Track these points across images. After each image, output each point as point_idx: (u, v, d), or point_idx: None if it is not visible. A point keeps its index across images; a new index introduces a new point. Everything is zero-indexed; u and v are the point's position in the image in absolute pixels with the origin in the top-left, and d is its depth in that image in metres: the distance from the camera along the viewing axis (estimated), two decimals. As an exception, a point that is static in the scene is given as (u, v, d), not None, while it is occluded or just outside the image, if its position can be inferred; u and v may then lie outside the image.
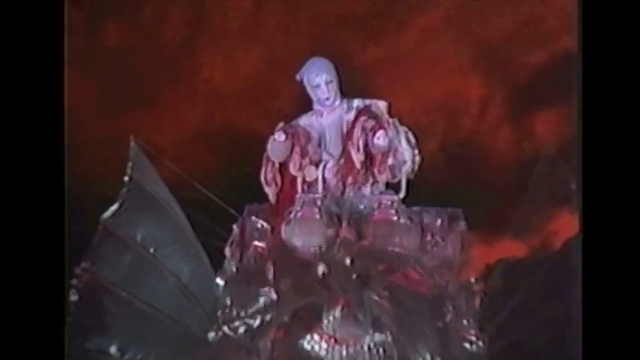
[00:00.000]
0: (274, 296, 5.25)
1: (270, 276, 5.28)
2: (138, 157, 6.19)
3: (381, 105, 5.80)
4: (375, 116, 5.65)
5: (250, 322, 5.38)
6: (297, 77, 5.85)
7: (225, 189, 6.45)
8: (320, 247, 5.37)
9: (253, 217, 5.71)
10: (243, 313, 5.41)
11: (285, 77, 6.27)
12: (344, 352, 5.22)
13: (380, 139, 5.50)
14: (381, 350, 5.23)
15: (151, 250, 6.06)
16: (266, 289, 5.26)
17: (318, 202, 5.50)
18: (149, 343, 5.88)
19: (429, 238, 5.59)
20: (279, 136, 5.64)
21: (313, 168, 5.70)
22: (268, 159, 5.75)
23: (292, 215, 5.49)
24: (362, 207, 5.58)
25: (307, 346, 5.28)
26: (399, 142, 5.59)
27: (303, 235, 5.41)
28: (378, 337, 5.26)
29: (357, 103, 5.82)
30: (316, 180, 5.67)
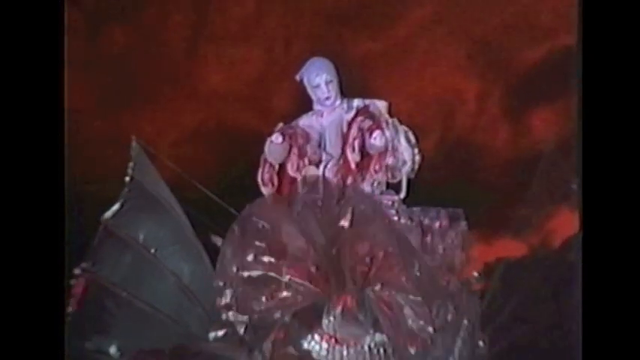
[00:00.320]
0: None
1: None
2: (139, 158, 6.19)
3: (381, 105, 5.80)
4: (372, 116, 5.65)
5: (250, 322, 5.41)
6: (297, 77, 5.86)
7: (226, 189, 6.44)
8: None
9: (254, 217, 5.71)
10: (243, 314, 5.44)
11: (286, 78, 6.26)
12: (344, 352, 5.23)
13: (376, 139, 5.51)
14: (381, 350, 5.24)
15: (152, 250, 6.06)
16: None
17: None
18: (149, 344, 5.87)
19: (429, 238, 5.59)
20: (277, 137, 5.67)
21: (314, 168, 5.70)
22: (265, 160, 5.77)
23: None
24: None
25: (308, 346, 5.29)
26: (399, 141, 5.60)
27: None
28: (378, 337, 5.26)
29: (357, 103, 5.83)
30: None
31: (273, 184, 5.74)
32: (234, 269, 5.56)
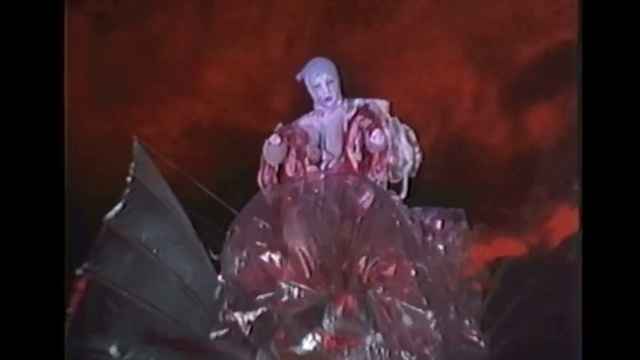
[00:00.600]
0: None
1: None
2: (140, 158, 6.19)
3: (382, 104, 5.81)
4: (371, 115, 5.66)
5: (252, 322, 5.41)
6: (298, 77, 5.87)
7: (227, 189, 6.44)
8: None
9: (255, 218, 5.72)
10: (244, 313, 5.45)
11: (287, 79, 6.26)
12: (345, 352, 5.23)
13: (376, 138, 5.52)
14: (382, 350, 5.23)
15: (154, 250, 6.06)
16: None
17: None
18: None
19: (430, 238, 5.59)
20: (275, 139, 5.69)
21: (314, 168, 5.71)
22: (265, 162, 5.78)
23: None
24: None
25: (309, 346, 5.29)
26: (399, 140, 5.61)
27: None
28: (379, 337, 5.26)
29: (357, 102, 5.83)
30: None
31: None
32: (235, 270, 5.58)
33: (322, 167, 5.71)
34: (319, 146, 5.78)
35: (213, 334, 5.49)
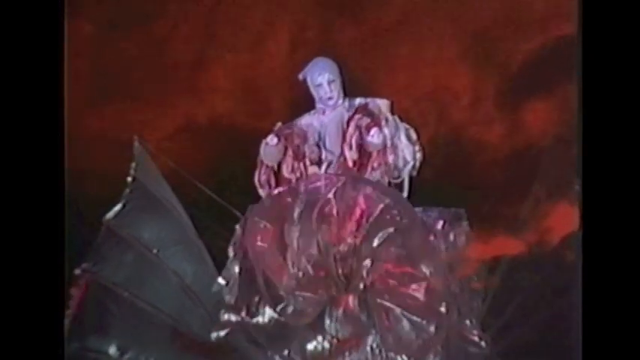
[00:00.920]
0: None
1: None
2: (141, 158, 6.20)
3: (382, 103, 5.81)
4: (370, 114, 5.66)
5: (252, 321, 5.41)
6: (300, 76, 5.87)
7: (227, 188, 6.44)
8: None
9: (256, 218, 5.71)
10: (245, 314, 5.45)
11: (289, 78, 6.27)
12: (346, 353, 5.22)
13: (374, 137, 5.52)
14: (383, 350, 5.22)
15: (154, 250, 6.05)
16: None
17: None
18: (151, 344, 5.88)
19: (431, 238, 5.58)
20: (271, 139, 5.69)
21: (316, 168, 5.71)
22: (262, 162, 5.78)
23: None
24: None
25: (310, 347, 5.28)
26: (399, 139, 5.60)
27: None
28: (380, 337, 5.25)
29: (359, 102, 5.83)
30: (319, 180, 5.68)
31: (270, 186, 5.73)
32: (237, 270, 5.58)
33: (323, 166, 5.70)
34: (318, 145, 5.78)
35: (213, 334, 5.48)
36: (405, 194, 5.62)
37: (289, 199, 5.53)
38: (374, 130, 5.51)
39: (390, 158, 5.55)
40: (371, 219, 5.38)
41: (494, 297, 5.64)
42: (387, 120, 5.62)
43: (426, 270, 5.28)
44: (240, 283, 5.53)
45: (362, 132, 5.57)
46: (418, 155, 5.66)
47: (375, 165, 5.55)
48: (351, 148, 5.59)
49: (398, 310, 5.17)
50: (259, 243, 5.54)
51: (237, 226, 5.73)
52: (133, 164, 6.11)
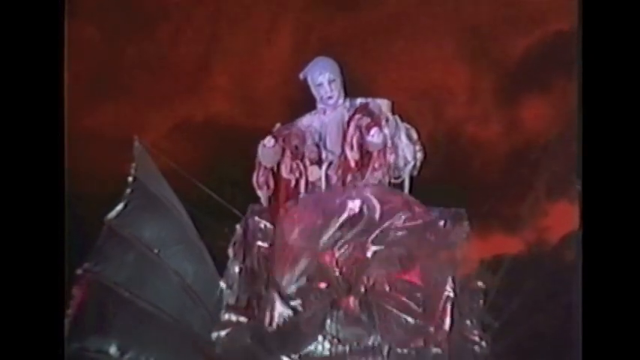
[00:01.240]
0: None
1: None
2: (142, 158, 6.20)
3: (383, 103, 5.82)
4: (370, 114, 5.67)
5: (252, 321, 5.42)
6: (301, 76, 5.89)
7: (227, 188, 6.44)
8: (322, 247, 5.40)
9: (256, 217, 5.72)
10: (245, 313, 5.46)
11: (290, 79, 6.27)
12: (347, 353, 5.22)
13: (374, 137, 5.52)
14: (384, 350, 5.23)
15: (155, 250, 6.06)
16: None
17: (321, 202, 5.50)
18: (151, 343, 5.88)
19: (432, 238, 5.58)
20: (269, 141, 5.70)
21: (316, 168, 5.71)
22: (260, 163, 5.78)
23: (295, 215, 5.50)
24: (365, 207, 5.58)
25: (311, 346, 5.29)
26: (399, 138, 5.61)
27: (306, 236, 5.42)
28: (380, 336, 5.26)
29: (359, 101, 5.84)
30: (319, 180, 5.68)
31: (268, 187, 5.73)
32: (237, 270, 5.59)
33: (323, 166, 5.71)
34: (317, 145, 5.79)
35: (214, 334, 5.48)
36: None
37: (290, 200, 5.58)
38: (374, 130, 5.51)
39: (391, 158, 5.56)
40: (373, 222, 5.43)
41: (494, 297, 5.64)
42: (387, 120, 5.64)
43: (426, 270, 5.27)
44: (241, 283, 5.53)
45: (362, 132, 5.58)
46: (419, 155, 5.67)
47: (377, 165, 5.56)
48: (352, 148, 5.59)
49: (398, 311, 5.18)
50: (260, 243, 5.56)
51: (238, 226, 5.74)
52: (134, 164, 6.11)
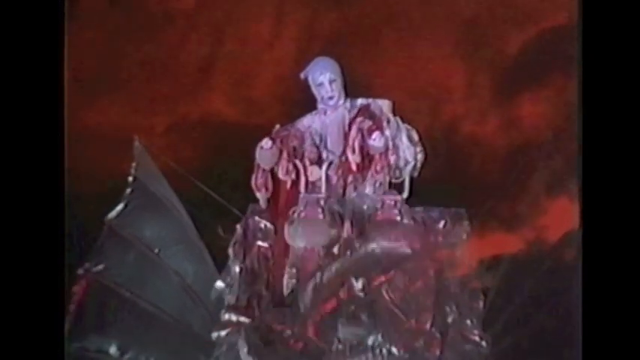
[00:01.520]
0: None
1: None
2: (142, 157, 6.21)
3: (384, 104, 5.82)
4: (372, 116, 5.67)
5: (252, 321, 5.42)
6: (302, 76, 5.89)
7: (228, 188, 6.44)
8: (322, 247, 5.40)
9: (257, 217, 5.72)
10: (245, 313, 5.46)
11: (294, 79, 6.27)
12: (347, 352, 5.22)
13: (375, 140, 5.52)
14: (384, 350, 5.23)
15: (156, 250, 6.06)
16: None
17: (321, 202, 5.51)
18: (151, 343, 5.89)
19: (432, 238, 5.58)
20: (266, 143, 5.67)
21: (316, 168, 5.71)
22: (259, 165, 5.76)
23: (295, 215, 5.50)
24: (365, 207, 5.59)
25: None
26: (400, 140, 5.61)
27: (306, 236, 5.42)
28: (380, 336, 5.25)
29: (360, 102, 5.85)
30: (319, 180, 5.68)
31: (267, 189, 5.72)
32: (237, 271, 5.59)
33: (324, 166, 5.71)
34: (317, 145, 5.79)
35: (214, 334, 5.49)
36: (406, 194, 5.63)
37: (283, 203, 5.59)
38: (376, 134, 5.51)
39: (392, 159, 5.57)
40: (371, 219, 5.43)
41: (495, 296, 5.64)
42: (388, 121, 5.64)
43: (426, 270, 5.27)
44: (241, 283, 5.53)
45: (364, 135, 5.58)
46: (419, 156, 5.68)
47: (379, 168, 5.56)
48: (354, 151, 5.59)
49: (398, 311, 5.18)
50: (260, 243, 5.56)
51: (238, 226, 5.74)
52: (134, 164, 6.12)
